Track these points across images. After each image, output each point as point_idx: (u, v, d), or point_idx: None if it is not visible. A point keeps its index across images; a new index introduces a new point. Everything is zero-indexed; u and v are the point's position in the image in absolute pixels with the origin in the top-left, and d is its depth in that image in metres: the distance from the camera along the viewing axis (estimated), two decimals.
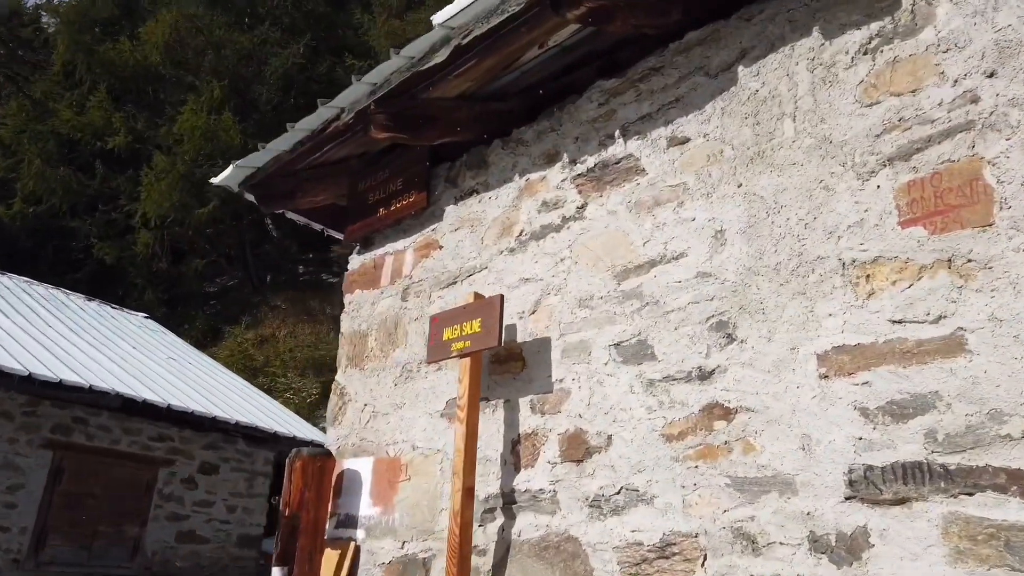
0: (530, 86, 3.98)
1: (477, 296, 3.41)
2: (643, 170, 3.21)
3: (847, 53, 2.65)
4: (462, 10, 3.25)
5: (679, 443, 2.74)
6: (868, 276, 2.41)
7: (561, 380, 3.21)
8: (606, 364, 3.06)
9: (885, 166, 2.46)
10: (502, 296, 3.28)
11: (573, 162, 3.50)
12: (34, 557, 9.00)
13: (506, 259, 3.64)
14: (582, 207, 3.39)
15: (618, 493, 2.87)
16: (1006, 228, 2.15)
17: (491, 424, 3.39)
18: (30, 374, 8.28)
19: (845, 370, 2.38)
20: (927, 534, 2.11)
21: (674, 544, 2.63)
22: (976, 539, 2.01)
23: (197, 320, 22.65)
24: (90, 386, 8.82)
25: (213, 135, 20.94)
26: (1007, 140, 2.20)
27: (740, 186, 2.84)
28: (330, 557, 3.74)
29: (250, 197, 4.70)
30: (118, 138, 21.72)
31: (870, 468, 2.25)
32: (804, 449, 2.41)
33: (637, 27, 3.18)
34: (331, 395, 4.28)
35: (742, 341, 2.67)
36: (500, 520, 3.23)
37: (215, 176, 4.62)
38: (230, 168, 4.45)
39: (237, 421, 10.31)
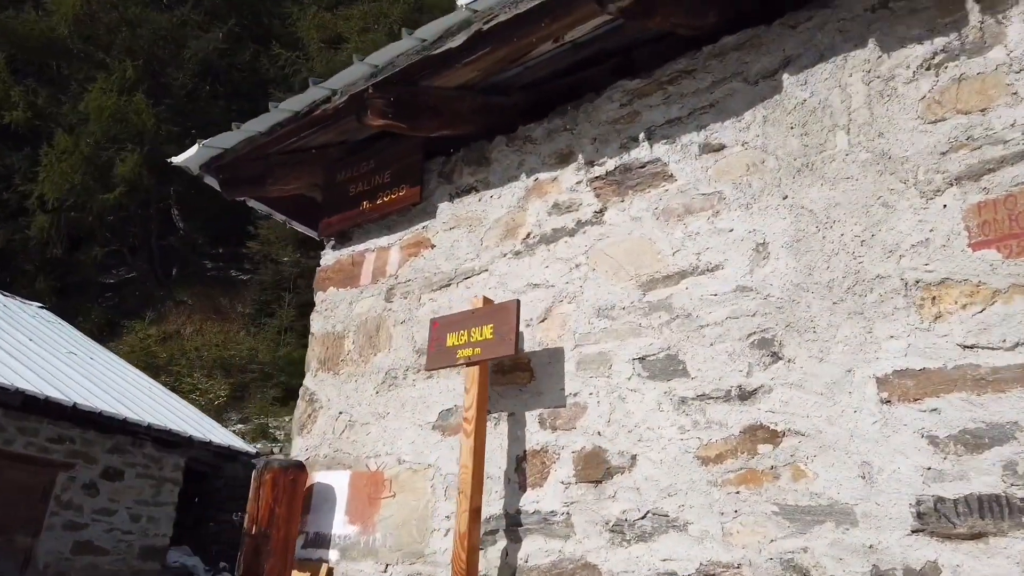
0: (535, 82, 3.78)
1: (487, 300, 3.16)
2: (671, 176, 3.05)
3: (908, 67, 2.57)
4: None
5: (717, 466, 2.57)
6: (934, 298, 2.31)
7: (576, 394, 2.99)
8: (629, 379, 2.87)
9: (952, 185, 2.37)
10: (518, 301, 3.04)
11: (590, 164, 3.30)
12: None
13: (510, 262, 3.40)
14: (600, 211, 3.20)
15: (643, 518, 2.68)
16: None
17: (493, 439, 3.14)
18: None
19: (910, 395, 2.27)
20: (1007, 571, 2.00)
21: (713, 575, 2.46)
22: None
23: (92, 312, 21.20)
24: None
25: (123, 116, 19.69)
26: None
27: (786, 198, 2.71)
28: None
29: (211, 181, 4.29)
30: (16, 113, 20.16)
31: (941, 500, 2.14)
32: (864, 477, 2.28)
33: (675, 25, 3.03)
34: (299, 401, 3.91)
35: (789, 360, 2.53)
36: (503, 543, 2.98)
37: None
38: (195, 147, 4.03)
39: (149, 423, 9.57)
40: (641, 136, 3.18)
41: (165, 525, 10.59)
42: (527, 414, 3.11)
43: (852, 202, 2.56)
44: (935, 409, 2.22)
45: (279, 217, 4.67)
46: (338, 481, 3.55)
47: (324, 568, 3.38)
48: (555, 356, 3.10)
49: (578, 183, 3.32)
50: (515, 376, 3.19)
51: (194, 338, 20.22)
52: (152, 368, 17.26)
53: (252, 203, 4.52)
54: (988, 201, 2.30)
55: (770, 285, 2.65)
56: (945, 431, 2.19)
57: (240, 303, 22.51)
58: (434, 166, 3.90)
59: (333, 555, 3.43)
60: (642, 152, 3.16)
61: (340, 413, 3.72)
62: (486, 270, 3.47)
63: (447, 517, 3.14)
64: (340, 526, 3.44)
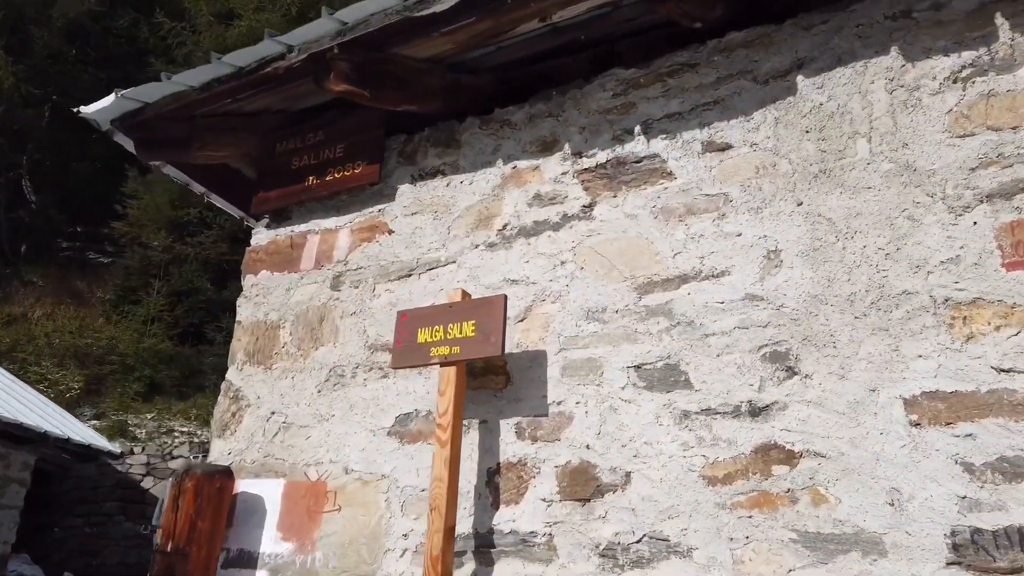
0: (504, 64, 3.51)
1: (465, 294, 2.84)
2: (671, 173, 2.85)
3: (934, 79, 2.49)
4: None
5: (725, 487, 2.37)
6: (966, 318, 2.22)
7: (561, 402, 2.73)
8: (623, 388, 2.64)
9: (983, 202, 2.30)
10: (505, 297, 2.74)
11: (578, 154, 3.06)
12: None
13: (483, 255, 3.10)
14: (589, 206, 2.96)
15: (639, 541, 2.44)
16: None
17: (462, 449, 2.81)
18: None
19: (941, 419, 2.16)
20: None
21: None
22: None
23: None
24: None
25: None
26: None
27: (800, 204, 2.57)
28: None
29: (123, 140, 3.72)
30: None
31: (978, 531, 2.03)
32: (893, 505, 2.14)
33: (684, 12, 2.84)
34: (220, 397, 3.42)
35: (807, 376, 2.37)
36: (472, 566, 2.67)
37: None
38: (110, 97, 3.47)
39: None
40: (637, 129, 2.97)
41: (7, 531, 9.40)
42: (502, 422, 2.81)
43: (875, 213, 2.44)
44: (969, 434, 2.11)
45: (198, 188, 4.13)
46: (269, 491, 3.10)
47: None
48: (536, 360, 2.82)
49: (563, 174, 3.06)
50: (488, 380, 2.89)
51: (44, 323, 18.38)
52: None
53: (168, 170, 3.97)
54: (1021, 221, 2.23)
55: (784, 295, 2.49)
56: (981, 458, 2.08)
57: (100, 288, 20.72)
58: (394, 144, 3.53)
59: None
60: (638, 146, 2.95)
61: (272, 413, 3.27)
62: (454, 261, 3.15)
63: (404, 536, 2.79)
64: (271, 543, 3.00)
